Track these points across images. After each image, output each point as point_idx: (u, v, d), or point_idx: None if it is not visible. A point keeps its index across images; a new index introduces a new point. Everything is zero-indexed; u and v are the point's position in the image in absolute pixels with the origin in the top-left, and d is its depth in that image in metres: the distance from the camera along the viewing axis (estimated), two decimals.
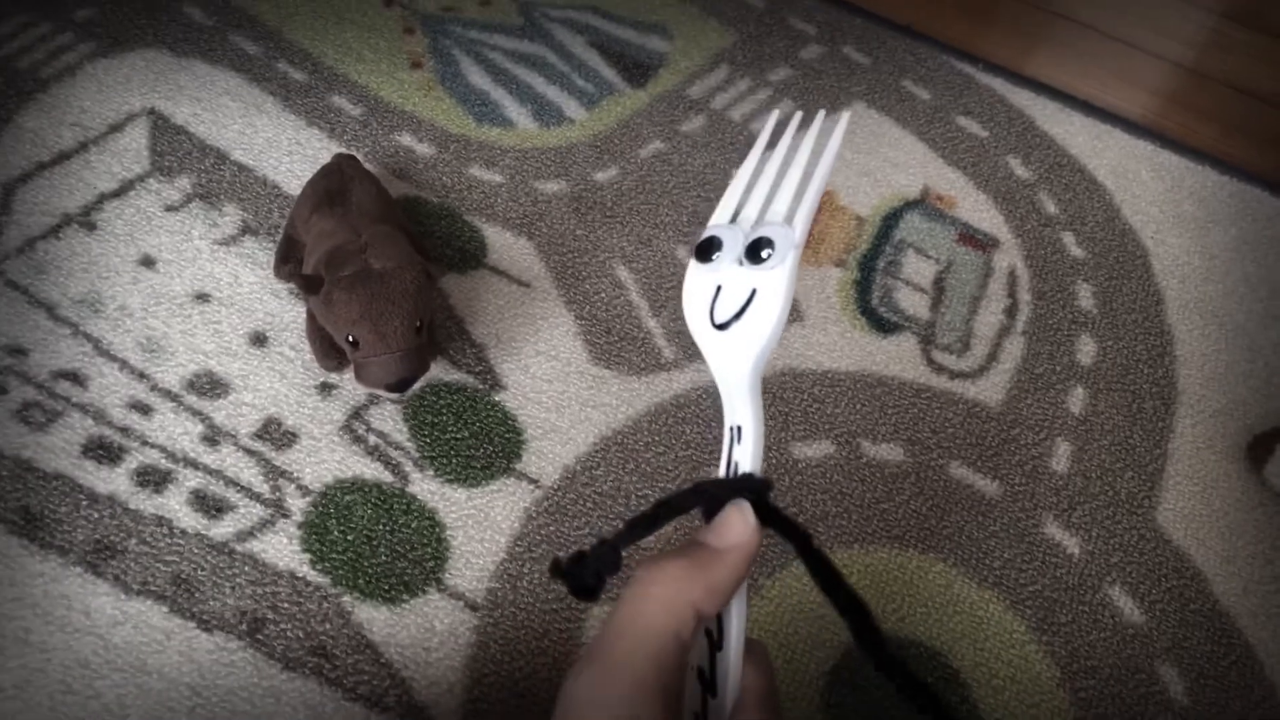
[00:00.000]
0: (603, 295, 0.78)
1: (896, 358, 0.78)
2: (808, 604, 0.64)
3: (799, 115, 0.38)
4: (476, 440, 0.68)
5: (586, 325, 0.76)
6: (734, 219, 0.35)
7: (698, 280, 0.34)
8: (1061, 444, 0.75)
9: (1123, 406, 0.78)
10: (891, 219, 0.88)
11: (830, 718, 0.60)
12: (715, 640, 0.33)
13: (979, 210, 0.90)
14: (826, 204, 0.88)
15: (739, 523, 0.31)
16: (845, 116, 0.36)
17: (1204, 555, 0.71)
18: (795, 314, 0.79)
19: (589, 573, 0.34)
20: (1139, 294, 0.87)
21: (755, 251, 0.32)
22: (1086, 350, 0.82)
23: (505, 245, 0.80)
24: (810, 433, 0.73)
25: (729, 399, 0.33)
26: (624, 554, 0.33)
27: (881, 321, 0.80)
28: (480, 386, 0.71)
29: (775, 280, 0.32)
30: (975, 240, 0.88)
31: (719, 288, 0.33)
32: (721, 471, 0.33)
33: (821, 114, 0.38)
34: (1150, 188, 0.96)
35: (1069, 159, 0.97)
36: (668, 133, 0.91)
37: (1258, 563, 0.71)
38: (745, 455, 0.33)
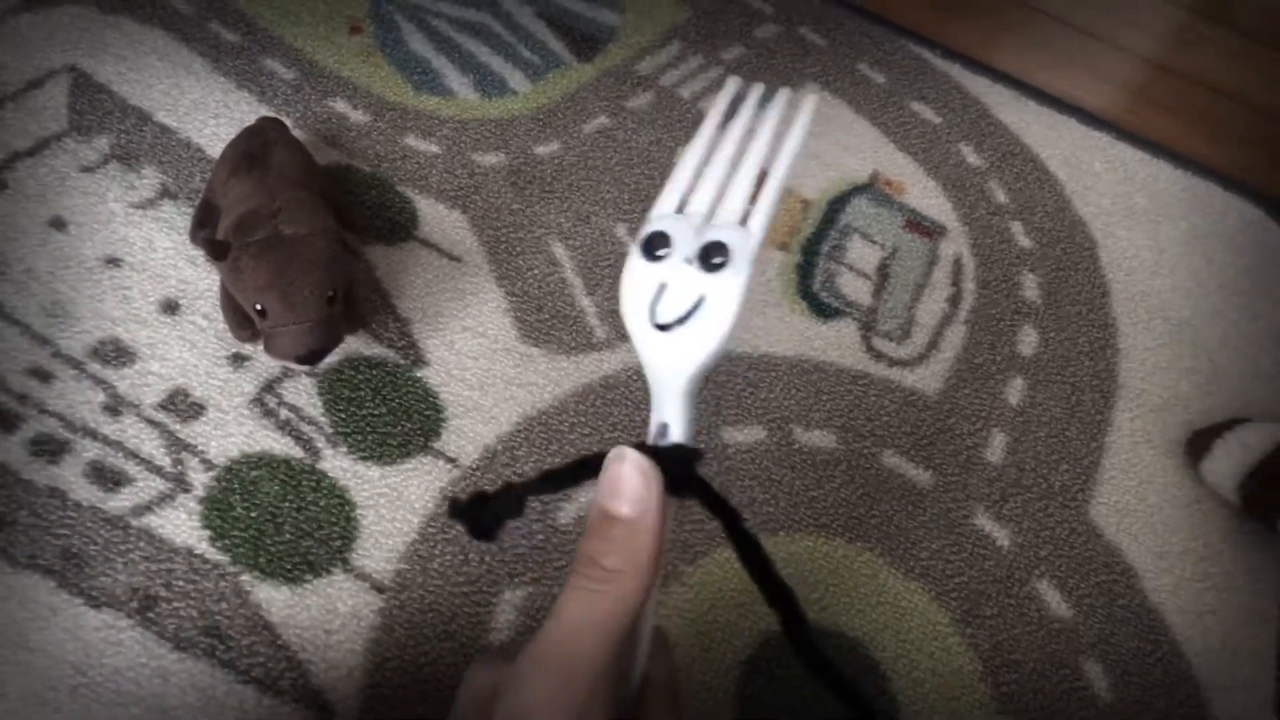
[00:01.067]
0: (536, 272, 0.76)
1: (835, 343, 0.77)
2: (728, 591, 0.62)
3: (759, 88, 0.35)
4: (394, 417, 0.66)
5: (517, 302, 0.74)
6: (681, 208, 0.31)
7: (640, 275, 0.30)
8: (997, 435, 0.74)
9: (1061, 398, 0.77)
10: (838, 203, 0.86)
11: (745, 707, 0.59)
12: None
13: (928, 197, 0.89)
14: (782, 195, 0.86)
15: (635, 478, 0.29)
16: (811, 100, 0.32)
17: (1136, 551, 0.70)
18: None
19: (488, 515, 0.33)
20: (1085, 286, 0.85)
21: (708, 256, 0.29)
22: (1028, 341, 0.80)
23: (438, 218, 0.77)
24: (742, 417, 0.71)
25: (659, 399, 0.31)
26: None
27: (822, 306, 0.79)
28: (402, 362, 0.69)
29: (729, 290, 0.29)
30: (922, 227, 0.86)
31: (663, 285, 0.30)
32: None
33: (785, 92, 0.34)
34: (1103, 179, 0.95)
35: (1022, 148, 0.96)
36: (614, 108, 0.89)
37: (1190, 560, 0.70)
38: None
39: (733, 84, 0.35)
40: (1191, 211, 0.94)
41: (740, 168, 0.32)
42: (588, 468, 0.31)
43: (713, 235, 0.30)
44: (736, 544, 0.30)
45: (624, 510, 0.29)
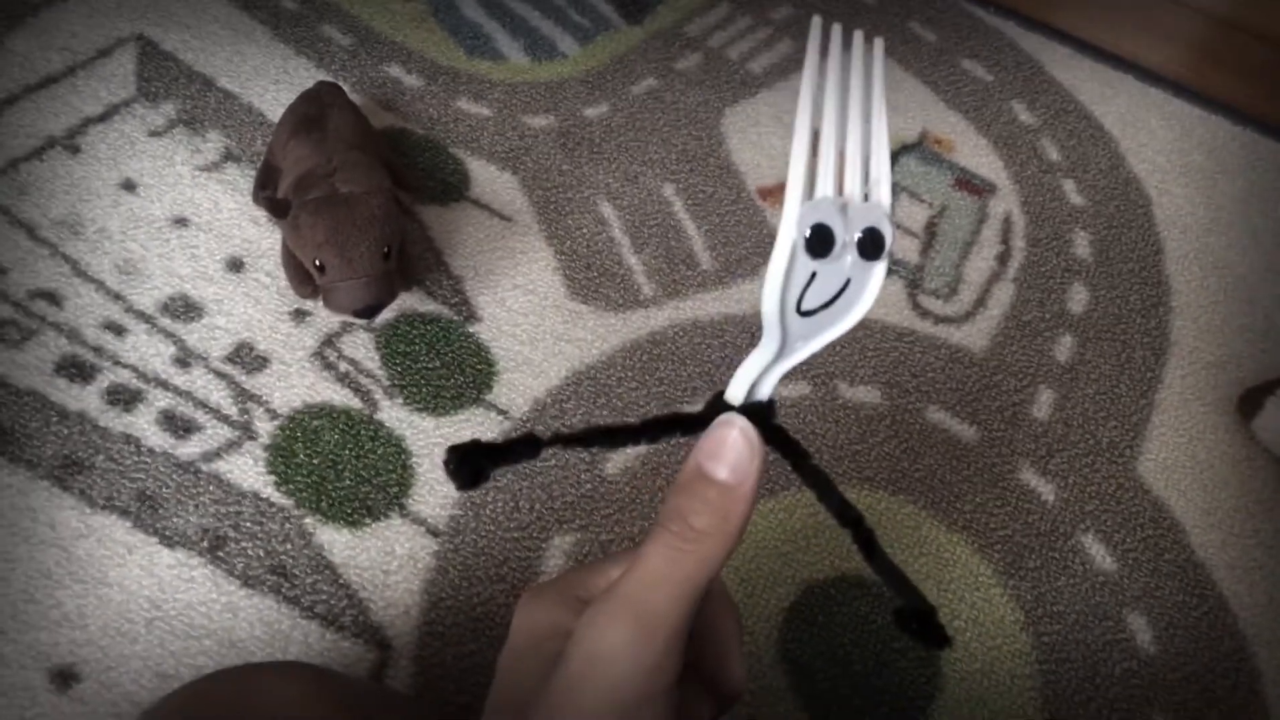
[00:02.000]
0: (584, 231, 0.77)
1: (881, 301, 0.77)
2: (771, 541, 0.64)
3: (838, 27, 0.33)
4: (448, 370, 0.68)
5: (566, 260, 0.75)
6: (812, 186, 0.29)
7: (798, 267, 0.29)
8: (1044, 391, 0.74)
9: (1111, 356, 0.77)
10: None
11: (788, 654, 0.60)
12: None
13: (978, 155, 0.88)
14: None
15: (745, 448, 0.28)
16: (879, 44, 0.31)
17: (1184, 506, 0.70)
18: None
19: (488, 459, 0.31)
20: (1138, 243, 0.84)
21: (866, 247, 0.28)
22: (1078, 299, 0.80)
23: (489, 178, 0.79)
24: (787, 372, 0.72)
25: (767, 367, 0.30)
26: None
27: None
28: (455, 318, 0.71)
29: (876, 276, 0.29)
30: (971, 185, 0.86)
31: (815, 274, 0.29)
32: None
33: (859, 36, 0.32)
34: (1158, 136, 0.93)
35: (1076, 105, 0.94)
36: (662, 70, 0.90)
37: (1240, 516, 0.70)
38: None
39: (816, 24, 0.32)
40: (1249, 168, 0.92)
41: (850, 132, 0.31)
42: (666, 424, 0.30)
43: (868, 222, 0.29)
44: (810, 479, 0.30)
45: (722, 474, 0.28)
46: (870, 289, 0.29)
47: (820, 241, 0.28)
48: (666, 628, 0.27)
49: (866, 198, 0.29)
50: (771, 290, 0.29)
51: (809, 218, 0.29)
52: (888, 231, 0.29)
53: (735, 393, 0.30)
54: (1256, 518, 0.70)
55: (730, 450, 0.28)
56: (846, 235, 0.28)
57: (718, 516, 0.27)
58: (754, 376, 0.29)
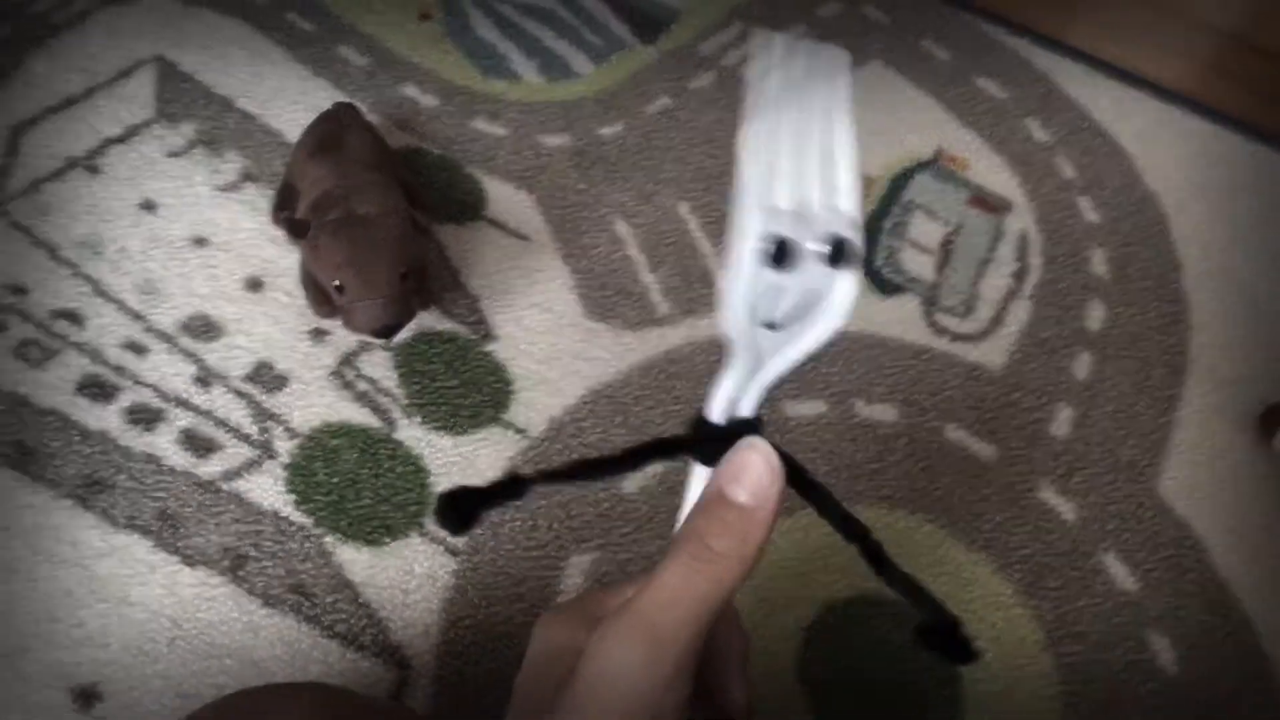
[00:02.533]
0: (600, 250, 0.78)
1: (898, 319, 0.77)
2: (790, 561, 0.63)
3: (784, 38, 0.32)
4: (465, 389, 0.68)
5: (582, 279, 0.76)
6: (772, 198, 0.28)
7: (758, 281, 0.28)
8: (1063, 409, 0.74)
9: (1130, 373, 0.76)
10: (901, 179, 0.86)
11: (806, 672, 0.60)
12: None
13: (993, 173, 0.88)
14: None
15: (765, 471, 0.27)
16: (843, 55, 0.30)
17: (1206, 525, 0.69)
18: None
19: (478, 504, 0.31)
20: (1155, 261, 0.84)
21: (833, 256, 0.27)
22: (1096, 316, 0.80)
23: (505, 198, 0.79)
24: (803, 391, 0.72)
25: (741, 386, 0.29)
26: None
27: (884, 282, 0.79)
28: (472, 337, 0.71)
29: (847, 285, 0.27)
30: (987, 203, 0.86)
31: (780, 287, 0.28)
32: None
33: (814, 45, 0.31)
34: (1175, 154, 0.93)
35: (1091, 123, 0.94)
36: (676, 89, 0.90)
37: (1263, 535, 0.69)
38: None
39: (760, 41, 0.32)
40: (1267, 185, 0.92)
41: (809, 143, 0.30)
42: (667, 447, 0.30)
43: (832, 230, 0.27)
44: (810, 496, 0.30)
45: (742, 498, 0.28)
46: (841, 300, 0.27)
47: (779, 252, 0.27)
48: (677, 647, 0.27)
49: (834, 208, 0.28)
50: (733, 305, 0.28)
51: (767, 227, 0.28)
52: (854, 239, 0.27)
53: (714, 413, 0.29)
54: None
55: (750, 473, 0.28)
56: (809, 245, 0.27)
57: (736, 539, 0.27)
58: (730, 395, 0.29)
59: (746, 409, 0.29)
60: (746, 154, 0.29)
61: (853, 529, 0.29)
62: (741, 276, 0.27)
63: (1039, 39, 1.01)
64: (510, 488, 0.30)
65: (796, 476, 0.30)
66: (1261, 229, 0.88)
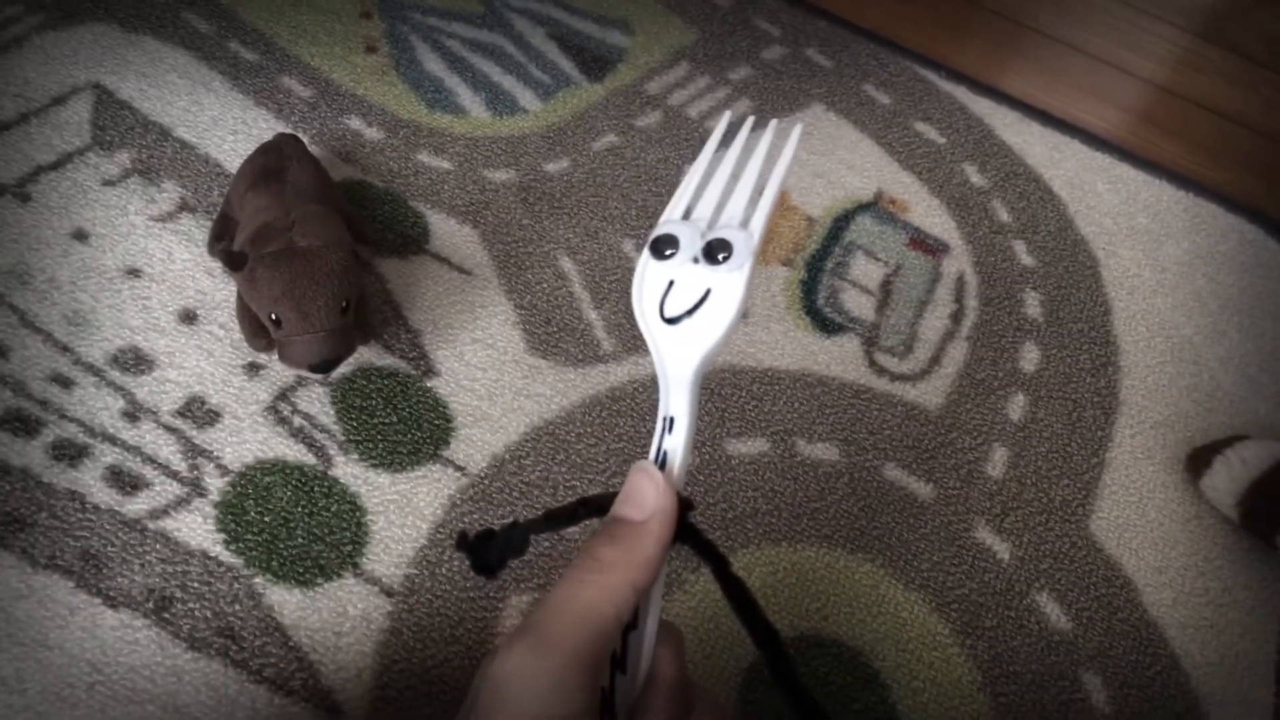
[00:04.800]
0: (544, 285, 0.77)
1: (839, 358, 0.78)
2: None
3: (752, 119, 0.39)
4: (405, 426, 0.67)
5: (526, 315, 0.75)
6: (687, 215, 0.35)
7: (650, 273, 0.34)
8: (999, 449, 0.75)
9: (1063, 414, 0.78)
10: (842, 220, 0.88)
11: (747, 714, 0.60)
12: (629, 619, 0.33)
13: (931, 215, 0.90)
14: (778, 204, 0.87)
15: (650, 488, 0.31)
16: (798, 129, 0.36)
17: (1136, 565, 0.71)
18: None
19: (494, 552, 0.35)
20: (1087, 304, 0.86)
21: (712, 253, 0.33)
22: (1030, 358, 0.81)
23: (449, 232, 0.79)
24: (745, 429, 0.72)
25: (667, 391, 0.33)
26: (533, 539, 0.34)
27: (826, 322, 0.80)
28: (413, 372, 0.70)
29: (732, 283, 0.32)
30: (926, 245, 0.88)
31: (671, 282, 0.33)
32: (651, 457, 0.33)
33: (774, 122, 0.38)
34: (1105, 200, 0.96)
35: (1025, 168, 0.97)
36: (622, 127, 0.91)
37: (1190, 575, 0.71)
38: (676, 446, 0.33)
39: (728, 115, 0.39)
40: (1193, 232, 0.95)
41: (739, 180, 0.35)
42: (588, 507, 0.33)
43: (716, 234, 0.33)
44: (725, 586, 0.31)
45: (632, 514, 0.31)
46: (728, 296, 0.32)
47: (661, 245, 0.33)
48: (562, 650, 0.28)
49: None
50: (634, 295, 0.33)
51: (661, 229, 0.34)
52: (737, 241, 0.32)
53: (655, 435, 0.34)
54: (1206, 576, 0.71)
55: (636, 493, 0.31)
56: (695, 245, 0.33)
57: (621, 549, 0.30)
58: (664, 410, 0.33)
59: (676, 462, 0.33)
60: (682, 184, 0.36)
61: (760, 633, 0.31)
62: (639, 269, 0.34)
63: (977, 86, 1.04)
64: (518, 533, 0.34)
65: (718, 567, 0.32)
66: (1188, 275, 0.91)
